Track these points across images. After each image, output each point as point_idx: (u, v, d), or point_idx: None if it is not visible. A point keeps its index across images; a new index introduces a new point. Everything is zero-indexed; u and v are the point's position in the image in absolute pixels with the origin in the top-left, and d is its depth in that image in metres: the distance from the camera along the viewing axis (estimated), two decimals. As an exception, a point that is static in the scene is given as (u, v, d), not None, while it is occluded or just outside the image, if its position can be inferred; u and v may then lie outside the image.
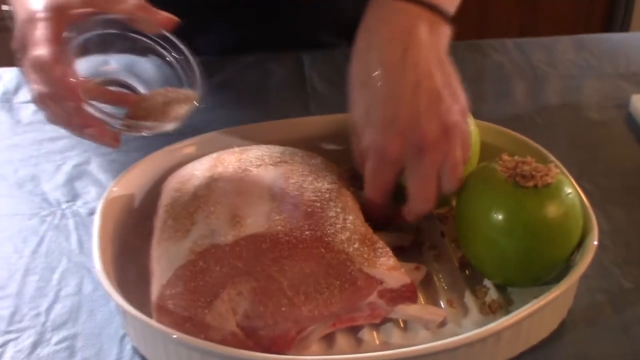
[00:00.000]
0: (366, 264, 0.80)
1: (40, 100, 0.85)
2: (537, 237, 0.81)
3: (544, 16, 2.76)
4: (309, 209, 0.83)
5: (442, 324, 0.84)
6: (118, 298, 0.79)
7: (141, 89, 0.91)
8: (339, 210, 0.84)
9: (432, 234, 0.95)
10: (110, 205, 0.91)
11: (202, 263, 0.79)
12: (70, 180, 1.07)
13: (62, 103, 0.83)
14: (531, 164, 0.84)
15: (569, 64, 1.33)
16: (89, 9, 0.85)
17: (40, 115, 1.17)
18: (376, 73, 0.85)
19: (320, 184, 0.87)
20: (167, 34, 0.89)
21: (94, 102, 0.85)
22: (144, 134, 0.88)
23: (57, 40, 0.84)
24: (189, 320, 0.77)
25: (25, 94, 1.25)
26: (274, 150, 0.93)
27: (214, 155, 0.93)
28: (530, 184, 0.82)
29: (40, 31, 0.83)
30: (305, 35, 1.35)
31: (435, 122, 0.83)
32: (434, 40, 0.87)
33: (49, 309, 0.88)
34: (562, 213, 0.81)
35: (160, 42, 0.90)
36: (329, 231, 0.81)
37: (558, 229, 0.81)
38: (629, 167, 1.10)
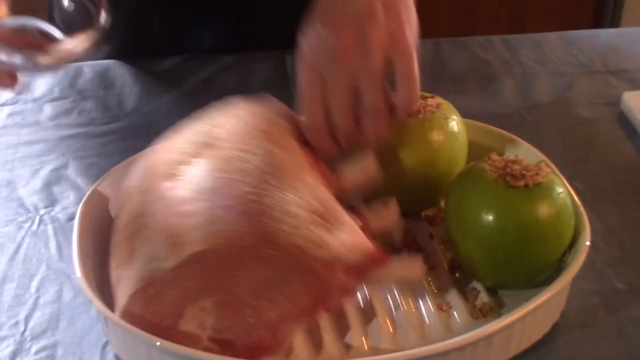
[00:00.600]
0: (318, 249, 0.77)
1: None
2: (529, 238, 0.80)
3: (533, 11, 2.75)
4: (244, 207, 0.77)
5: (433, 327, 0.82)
6: (99, 304, 0.77)
7: (57, 35, 0.85)
8: (276, 190, 0.78)
9: (420, 237, 0.93)
10: (89, 210, 0.89)
11: (152, 290, 0.76)
12: (48, 185, 1.05)
13: None
14: (521, 163, 0.82)
15: (558, 61, 1.31)
16: None
17: (15, 119, 1.16)
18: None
19: (248, 163, 0.81)
20: None
21: None
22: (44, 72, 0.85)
23: None
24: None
25: (-1, 97, 1.23)
26: (193, 134, 0.89)
27: (144, 163, 0.88)
28: (521, 183, 0.80)
29: None
30: (290, 34, 1.33)
31: (353, 32, 0.85)
32: None
33: (27, 318, 0.86)
34: (554, 213, 0.80)
35: None
36: (271, 227, 0.76)
37: (550, 229, 0.80)
38: (621, 165, 1.09)
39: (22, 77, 0.85)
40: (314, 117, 0.87)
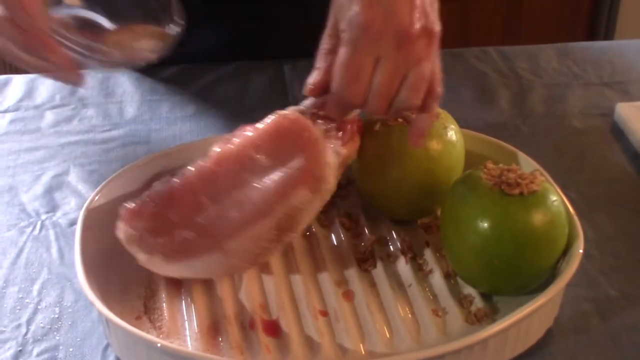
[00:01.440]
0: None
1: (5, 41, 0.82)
2: (523, 245, 0.81)
3: (527, 22, 2.77)
4: None
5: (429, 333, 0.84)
6: (101, 306, 0.79)
7: (107, 25, 0.87)
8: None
9: (416, 244, 0.95)
10: (91, 216, 0.90)
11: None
12: (49, 190, 1.06)
13: (28, 28, 0.80)
14: (516, 172, 0.83)
15: (553, 73, 1.33)
16: None
17: (17, 125, 1.17)
18: None
19: None
20: None
21: (59, 30, 0.82)
22: (113, 68, 0.86)
23: None
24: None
25: (0, 104, 1.24)
26: None
27: None
28: (516, 191, 0.81)
29: None
30: (291, 47, 1.34)
31: (424, 23, 0.83)
32: None
33: (29, 321, 0.87)
34: (548, 221, 0.81)
35: None
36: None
37: (544, 237, 0.81)
38: (614, 175, 1.10)
39: (88, 73, 0.86)
40: (356, 95, 0.84)
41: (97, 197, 0.92)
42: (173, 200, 0.83)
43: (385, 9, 0.81)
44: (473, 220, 0.82)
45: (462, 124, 0.99)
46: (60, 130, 1.18)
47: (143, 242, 0.83)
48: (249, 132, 0.85)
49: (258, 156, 0.83)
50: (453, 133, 0.93)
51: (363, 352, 0.82)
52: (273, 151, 0.83)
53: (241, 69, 1.31)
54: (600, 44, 1.46)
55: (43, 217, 1.02)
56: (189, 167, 0.85)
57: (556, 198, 0.83)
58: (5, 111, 1.23)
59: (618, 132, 1.18)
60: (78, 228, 0.87)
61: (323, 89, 0.86)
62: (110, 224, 0.90)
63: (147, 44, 0.87)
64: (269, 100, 1.26)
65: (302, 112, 0.87)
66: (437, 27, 0.84)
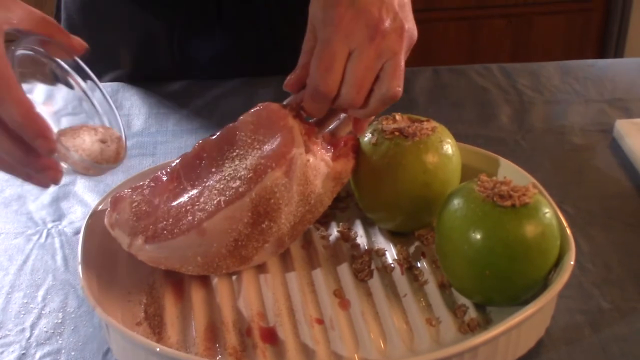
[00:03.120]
0: None
1: None
2: (515, 256, 0.82)
3: (536, 42, 2.77)
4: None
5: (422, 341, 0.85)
6: (101, 312, 0.80)
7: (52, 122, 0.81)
8: None
9: (413, 255, 0.96)
10: (95, 225, 0.92)
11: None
12: (56, 200, 1.08)
13: (34, 143, 0.75)
14: (509, 184, 0.85)
15: (554, 89, 1.34)
16: (12, 27, 0.79)
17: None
18: None
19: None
20: (80, 63, 0.86)
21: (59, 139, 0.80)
22: (90, 173, 0.85)
23: (6, 62, 0.75)
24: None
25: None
26: None
27: None
28: (508, 203, 0.83)
29: None
30: (297, 61, 1.36)
31: (393, 19, 0.88)
32: None
33: (33, 325, 0.89)
34: (540, 232, 0.83)
35: (69, 69, 0.86)
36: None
37: (536, 248, 0.83)
38: (611, 191, 1.11)
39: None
40: (329, 86, 0.88)
41: (100, 207, 0.94)
42: (157, 186, 0.89)
43: (356, 7, 0.87)
44: (465, 231, 0.84)
45: (463, 139, 1.01)
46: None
47: (126, 225, 0.87)
48: (236, 121, 0.91)
49: (237, 143, 0.88)
50: (449, 147, 0.95)
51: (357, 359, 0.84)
52: (250, 138, 0.88)
53: (246, 84, 1.33)
54: (603, 61, 1.48)
55: (49, 225, 1.04)
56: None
57: (548, 210, 0.85)
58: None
59: (617, 149, 1.19)
60: (81, 236, 0.90)
61: (302, 83, 0.91)
62: (113, 232, 0.93)
63: (117, 148, 0.87)
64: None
65: (283, 107, 0.92)
66: (407, 23, 0.89)
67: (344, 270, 0.94)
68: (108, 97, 0.89)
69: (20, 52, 0.80)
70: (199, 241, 0.85)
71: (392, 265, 0.95)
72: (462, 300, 0.89)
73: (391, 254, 0.96)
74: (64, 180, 0.85)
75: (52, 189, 1.09)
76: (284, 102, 0.93)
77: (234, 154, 0.89)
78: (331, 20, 0.87)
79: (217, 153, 0.89)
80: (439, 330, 0.87)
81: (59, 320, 0.90)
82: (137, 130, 1.23)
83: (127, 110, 1.27)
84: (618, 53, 2.78)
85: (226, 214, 0.85)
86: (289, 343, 0.85)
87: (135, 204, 0.87)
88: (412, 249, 0.97)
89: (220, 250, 0.87)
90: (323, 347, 0.84)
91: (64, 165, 0.81)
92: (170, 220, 0.85)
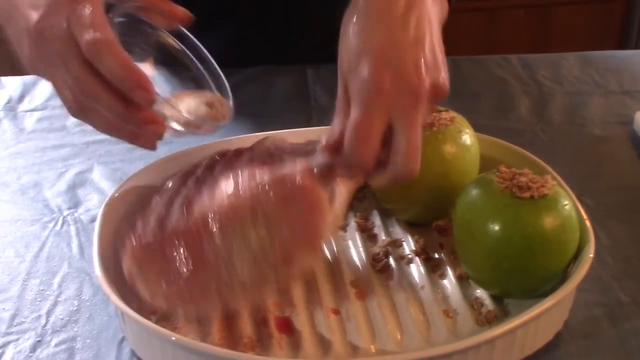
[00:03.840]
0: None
1: (88, 92, 0.78)
2: (533, 248, 0.82)
3: (556, 34, 2.76)
4: None
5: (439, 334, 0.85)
6: (117, 300, 0.80)
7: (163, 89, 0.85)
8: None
9: (430, 246, 0.96)
10: (110, 212, 0.92)
11: None
12: (73, 187, 1.09)
13: (133, 93, 0.77)
14: (528, 176, 0.84)
15: (574, 81, 1.34)
16: None
17: (44, 124, 1.20)
18: (375, 15, 0.82)
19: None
20: (183, 31, 0.87)
21: (160, 94, 0.80)
22: (198, 132, 0.86)
23: (105, 22, 0.78)
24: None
25: (29, 102, 1.27)
26: None
27: None
28: (527, 194, 0.82)
29: (87, 12, 0.77)
30: (315, 50, 1.36)
31: (432, 78, 0.80)
32: (436, 12, 0.85)
33: (49, 312, 0.89)
34: (559, 224, 0.82)
35: (174, 39, 0.88)
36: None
37: (554, 240, 0.82)
38: (631, 183, 1.10)
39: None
40: (368, 161, 0.80)
41: (117, 194, 0.94)
42: (176, 240, 0.82)
43: (395, 69, 0.78)
44: (484, 222, 0.83)
45: (482, 130, 1.00)
46: (85, 129, 1.20)
47: (147, 286, 0.82)
48: (258, 180, 0.84)
49: (262, 211, 0.82)
50: (467, 137, 0.94)
51: (373, 351, 0.83)
52: (279, 213, 0.82)
53: (264, 72, 1.33)
54: (623, 52, 1.46)
55: (65, 213, 1.04)
56: (199, 204, 0.85)
57: (567, 202, 0.84)
58: (34, 110, 1.26)
59: (637, 141, 1.18)
60: (97, 224, 0.89)
61: (337, 149, 0.83)
62: (129, 220, 0.92)
63: (221, 109, 0.88)
64: (291, 103, 1.27)
65: (311, 170, 0.85)
66: (446, 79, 0.82)
67: (361, 260, 0.94)
68: (213, 62, 0.89)
69: (119, 18, 0.81)
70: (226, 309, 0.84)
71: (410, 256, 0.94)
72: (479, 292, 0.89)
73: (409, 245, 0.96)
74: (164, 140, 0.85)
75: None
76: (312, 162, 0.85)
77: (259, 230, 0.81)
78: (368, 84, 0.78)
79: (241, 225, 0.81)
80: (456, 322, 0.86)
81: (75, 308, 0.90)
82: (154, 119, 1.22)
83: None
84: (639, 44, 2.76)
85: (245, 296, 0.83)
86: (304, 333, 0.84)
87: (155, 269, 0.82)
88: (429, 240, 0.96)
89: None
90: (339, 338, 0.84)
91: (172, 125, 0.83)
92: (195, 293, 0.81)
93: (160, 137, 0.84)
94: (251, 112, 1.22)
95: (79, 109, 0.81)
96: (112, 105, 0.79)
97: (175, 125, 0.84)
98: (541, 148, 1.12)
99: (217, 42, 1.34)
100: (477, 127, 0.98)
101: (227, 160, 0.93)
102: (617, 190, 1.08)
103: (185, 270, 0.81)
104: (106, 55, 0.76)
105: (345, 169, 0.84)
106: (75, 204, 1.05)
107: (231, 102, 0.89)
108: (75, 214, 1.03)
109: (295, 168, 0.84)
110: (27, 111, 1.26)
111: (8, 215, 1.04)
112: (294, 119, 1.21)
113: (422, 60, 0.79)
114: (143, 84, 0.77)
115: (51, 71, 0.81)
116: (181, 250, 0.81)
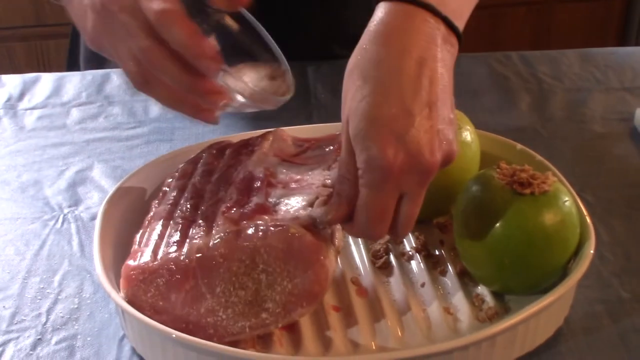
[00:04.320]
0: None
1: (155, 62, 0.79)
2: (534, 244, 0.82)
3: (557, 30, 2.76)
4: None
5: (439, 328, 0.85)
6: (117, 297, 0.80)
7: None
8: None
9: (431, 243, 0.96)
10: (111, 210, 0.92)
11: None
12: (73, 185, 1.08)
13: (199, 61, 0.77)
14: (528, 172, 0.84)
15: (574, 77, 1.33)
16: None
17: (44, 122, 1.20)
18: (385, 78, 0.78)
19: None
20: (244, 13, 0.89)
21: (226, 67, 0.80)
22: (262, 106, 0.85)
23: None
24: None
25: (29, 101, 1.27)
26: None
27: None
28: (528, 191, 0.82)
29: None
30: (316, 48, 1.36)
31: (443, 152, 0.78)
32: (447, 58, 0.82)
33: (49, 310, 0.89)
34: (559, 220, 0.82)
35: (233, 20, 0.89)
36: None
37: (555, 236, 0.82)
38: (632, 179, 1.10)
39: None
40: (380, 234, 0.80)
41: (117, 192, 0.94)
42: (172, 281, 0.81)
43: (406, 148, 0.76)
44: (484, 219, 0.83)
45: (483, 127, 1.00)
46: (85, 127, 1.20)
47: (143, 309, 0.81)
48: (260, 232, 0.82)
49: (262, 263, 0.81)
50: (468, 134, 0.94)
51: (374, 347, 0.83)
52: (280, 267, 0.81)
53: (264, 70, 1.32)
54: (623, 49, 1.46)
55: (66, 210, 1.04)
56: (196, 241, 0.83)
57: (568, 198, 0.84)
58: (34, 108, 1.25)
59: (637, 137, 1.18)
60: (98, 221, 0.89)
61: (344, 219, 0.81)
62: (129, 217, 0.92)
63: (283, 83, 0.88)
64: (291, 101, 1.26)
65: (314, 221, 0.83)
66: (455, 145, 0.79)
67: (362, 257, 0.94)
68: (274, 43, 0.90)
69: None
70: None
71: (410, 253, 0.94)
72: (480, 288, 0.89)
73: (409, 242, 0.96)
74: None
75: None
76: (318, 221, 0.83)
77: (258, 274, 0.81)
78: (379, 162, 0.75)
79: (238, 267, 0.81)
80: (457, 319, 0.86)
81: (75, 306, 0.90)
82: (155, 116, 1.23)
83: (145, 95, 1.26)
84: (639, 40, 2.76)
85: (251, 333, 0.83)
86: (305, 330, 0.84)
87: (150, 294, 0.81)
88: (430, 237, 0.96)
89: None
90: (340, 335, 0.84)
91: (236, 97, 0.83)
92: (190, 326, 0.80)
93: (223, 108, 0.84)
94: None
95: (144, 81, 0.81)
96: (177, 74, 0.79)
97: (240, 98, 0.83)
98: (542, 145, 1.12)
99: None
100: (478, 124, 0.98)
101: (226, 167, 0.93)
102: (618, 187, 1.08)
103: (180, 302, 0.81)
104: (174, 25, 0.77)
105: (355, 236, 0.87)
106: (75, 202, 1.05)
107: (291, 77, 0.89)
108: (76, 212, 1.03)
109: (297, 218, 0.82)
110: (27, 109, 1.25)
111: (8, 213, 1.04)
112: (295, 116, 1.21)
113: (435, 135, 0.77)
114: (209, 53, 0.78)
115: (115, 44, 0.81)
116: (177, 282, 0.81)
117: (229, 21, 0.89)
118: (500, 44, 2.66)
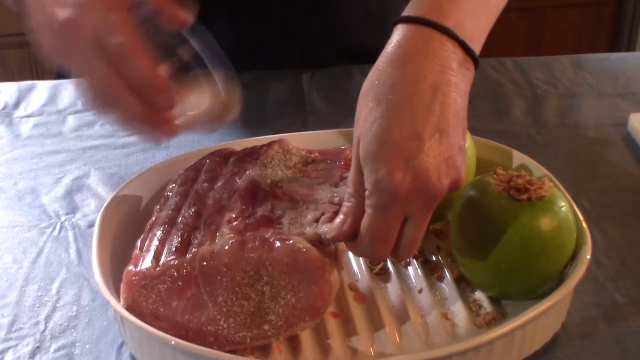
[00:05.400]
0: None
1: (111, 91, 0.79)
2: (531, 249, 0.82)
3: (549, 35, 2.77)
4: None
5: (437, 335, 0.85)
6: (116, 304, 0.80)
7: None
8: None
9: (428, 248, 0.96)
10: (109, 216, 0.92)
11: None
12: (70, 193, 1.09)
13: (155, 99, 0.80)
14: (525, 177, 0.85)
15: (568, 83, 1.34)
16: None
17: (40, 129, 1.20)
18: (398, 101, 0.78)
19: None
20: (186, 34, 0.88)
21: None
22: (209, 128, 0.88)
23: (131, 27, 0.79)
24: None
25: (25, 109, 1.27)
26: None
27: None
28: (524, 196, 0.83)
29: (115, 16, 0.79)
30: (310, 57, 1.36)
31: (451, 178, 0.78)
32: (461, 83, 0.81)
33: (47, 318, 0.89)
34: (556, 226, 0.82)
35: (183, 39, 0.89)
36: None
37: (551, 242, 0.82)
38: (626, 185, 1.11)
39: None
40: (384, 255, 0.81)
41: (115, 199, 0.94)
42: (173, 287, 0.81)
43: (414, 172, 0.76)
44: (481, 224, 0.83)
45: (477, 132, 1.00)
46: (81, 135, 1.20)
47: (143, 316, 0.81)
48: (266, 245, 0.82)
49: (266, 275, 0.81)
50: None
51: (372, 354, 0.83)
52: (284, 280, 0.81)
53: (260, 77, 1.32)
54: (616, 55, 1.47)
55: (63, 218, 1.04)
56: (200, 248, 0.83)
57: (564, 204, 0.84)
58: (30, 115, 1.26)
59: (631, 142, 1.19)
60: (96, 229, 0.89)
61: (349, 237, 0.82)
62: (127, 224, 0.93)
63: (230, 99, 0.89)
64: (286, 108, 1.27)
65: (319, 238, 0.83)
66: (463, 171, 0.80)
67: (359, 263, 0.94)
68: (221, 51, 0.91)
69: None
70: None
71: (407, 259, 0.94)
72: (477, 294, 0.89)
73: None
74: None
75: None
76: (323, 238, 0.83)
77: (262, 286, 0.81)
78: (387, 184, 0.76)
79: (242, 277, 0.81)
80: (455, 325, 0.86)
81: (73, 314, 0.90)
82: (150, 124, 1.23)
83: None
84: (630, 46, 2.77)
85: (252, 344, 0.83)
86: (303, 337, 0.85)
87: (151, 300, 0.81)
88: (427, 243, 0.96)
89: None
90: (338, 341, 0.84)
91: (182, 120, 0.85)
92: (191, 334, 0.81)
93: (172, 136, 0.86)
94: (247, 117, 1.22)
95: (99, 104, 0.82)
96: (132, 105, 0.80)
97: (186, 121, 0.86)
98: (536, 150, 1.12)
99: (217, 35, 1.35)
100: (473, 130, 0.98)
101: (230, 174, 0.93)
102: (612, 192, 1.09)
103: (181, 309, 0.81)
104: (132, 59, 0.78)
105: (358, 255, 0.87)
106: (72, 210, 1.05)
107: (238, 91, 0.90)
108: (73, 220, 1.03)
109: (303, 233, 0.83)
110: (23, 117, 1.25)
111: (5, 222, 1.04)
112: (290, 123, 1.21)
113: (444, 161, 0.77)
114: (165, 90, 0.80)
115: (73, 65, 0.82)
116: (179, 289, 0.81)
117: (182, 43, 0.89)
118: (493, 49, 2.66)
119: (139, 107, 0.80)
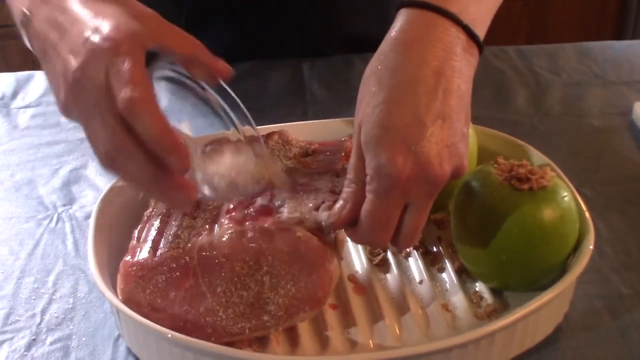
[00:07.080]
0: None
1: (121, 147, 0.73)
2: (533, 240, 0.81)
3: (553, 23, 2.75)
4: None
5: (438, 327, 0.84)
6: (112, 297, 0.79)
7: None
8: None
9: (428, 239, 0.95)
10: (105, 209, 0.91)
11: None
12: (67, 184, 1.08)
13: (167, 159, 0.72)
14: (527, 167, 0.84)
15: (572, 72, 1.33)
16: (156, 44, 0.76)
17: (37, 120, 1.19)
18: (401, 86, 0.77)
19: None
20: (225, 86, 0.82)
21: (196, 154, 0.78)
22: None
23: (145, 79, 0.73)
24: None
25: (22, 99, 1.26)
26: None
27: None
28: (526, 186, 0.81)
29: (126, 66, 0.72)
30: (311, 47, 1.35)
31: (453, 165, 0.77)
32: (465, 69, 0.81)
33: (44, 310, 0.89)
34: (558, 216, 0.81)
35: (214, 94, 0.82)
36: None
37: (554, 232, 0.81)
38: (631, 174, 1.10)
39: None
40: (384, 242, 0.79)
41: (112, 191, 0.93)
42: (172, 278, 0.80)
43: (416, 158, 0.75)
44: (482, 215, 0.82)
45: (479, 121, 0.99)
46: (79, 126, 1.19)
47: (140, 308, 0.80)
48: (266, 234, 0.81)
49: (266, 265, 0.80)
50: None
51: (372, 346, 0.83)
52: (284, 270, 0.80)
53: (260, 67, 1.32)
54: (620, 43, 1.45)
55: (60, 209, 1.03)
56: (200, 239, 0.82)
57: (567, 194, 0.83)
58: (27, 106, 1.25)
59: (636, 131, 1.17)
60: (92, 220, 0.88)
61: (351, 222, 0.80)
62: (124, 217, 0.92)
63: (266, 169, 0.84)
64: (287, 98, 1.27)
65: (320, 225, 0.82)
66: (466, 159, 0.79)
67: (359, 255, 0.94)
68: (248, 115, 0.85)
69: (159, 72, 0.77)
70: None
71: (408, 250, 0.93)
72: (478, 285, 0.88)
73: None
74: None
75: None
76: (324, 224, 0.82)
77: (262, 276, 0.80)
78: (388, 169, 0.75)
79: (241, 267, 0.80)
80: (455, 316, 0.85)
81: (70, 306, 0.89)
82: (150, 114, 1.22)
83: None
84: (636, 34, 2.75)
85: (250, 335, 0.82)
86: (302, 328, 0.84)
87: (149, 291, 0.80)
88: (427, 234, 0.96)
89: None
90: (337, 333, 0.84)
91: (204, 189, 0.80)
92: (189, 325, 0.80)
93: (190, 201, 0.78)
94: (247, 107, 1.21)
95: (110, 161, 0.75)
96: (143, 165, 0.73)
97: (208, 192, 0.80)
98: (539, 139, 1.11)
99: (212, 37, 1.34)
100: (475, 119, 0.96)
101: None
102: (617, 182, 1.08)
103: (179, 300, 0.80)
104: (142, 115, 0.71)
105: (357, 242, 0.85)
106: (69, 201, 1.04)
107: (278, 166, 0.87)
108: (70, 211, 1.03)
109: (303, 222, 0.82)
110: (20, 108, 1.25)
111: (2, 213, 1.03)
112: (290, 113, 1.20)
113: (446, 148, 0.76)
114: (178, 150, 0.72)
115: (85, 119, 0.76)
116: (177, 280, 0.80)
117: (211, 97, 0.83)
118: (497, 38, 2.65)
119: (150, 167, 0.73)
